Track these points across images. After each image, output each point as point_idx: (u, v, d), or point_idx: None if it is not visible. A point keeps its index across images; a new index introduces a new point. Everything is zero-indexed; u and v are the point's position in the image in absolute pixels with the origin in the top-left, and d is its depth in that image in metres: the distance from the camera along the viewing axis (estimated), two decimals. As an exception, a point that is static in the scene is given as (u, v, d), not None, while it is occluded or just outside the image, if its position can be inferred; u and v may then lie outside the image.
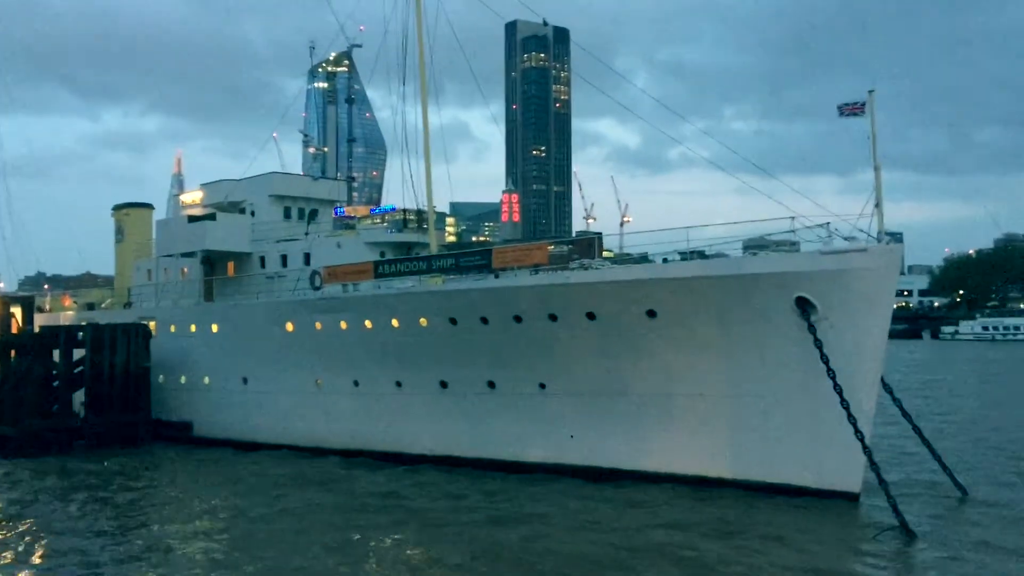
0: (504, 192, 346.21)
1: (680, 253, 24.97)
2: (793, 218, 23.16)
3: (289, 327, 32.22)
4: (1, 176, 62.93)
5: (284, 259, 36.81)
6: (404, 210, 37.44)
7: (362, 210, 43.34)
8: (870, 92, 22.69)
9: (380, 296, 29.55)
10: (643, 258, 27.31)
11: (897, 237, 25.95)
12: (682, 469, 24.66)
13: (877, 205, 22.27)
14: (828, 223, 22.85)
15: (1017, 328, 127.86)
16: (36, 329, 38.13)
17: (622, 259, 32.77)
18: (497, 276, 27.47)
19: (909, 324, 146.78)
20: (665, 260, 25.02)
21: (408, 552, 19.13)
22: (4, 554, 19.38)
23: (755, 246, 27.94)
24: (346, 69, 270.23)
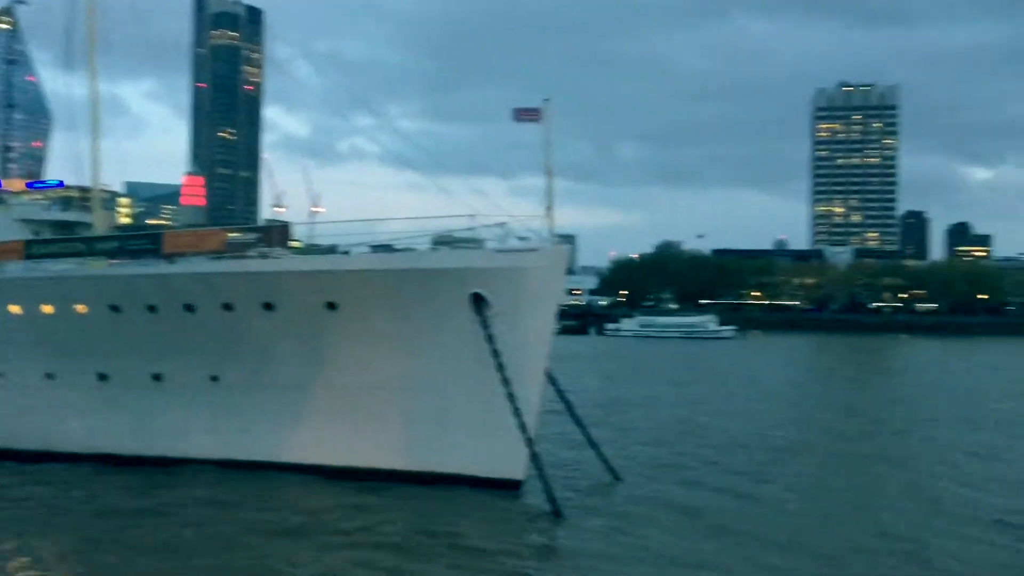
0: (187, 174, 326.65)
1: (371, 246, 24.94)
2: (474, 216, 23.95)
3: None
4: None
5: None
6: (67, 187, 34.05)
7: (19, 183, 38.72)
8: (545, 100, 24.08)
9: (29, 279, 26.69)
10: (331, 249, 26.93)
11: (569, 239, 27.67)
12: (358, 461, 24.60)
13: (548, 208, 23.64)
14: (505, 223, 23.89)
15: (666, 326, 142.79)
16: None
17: (310, 250, 32.14)
18: (173, 262, 25.81)
19: (578, 321, 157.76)
20: (346, 252, 24.84)
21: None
22: None
23: (443, 242, 28.57)
24: (10, 27, 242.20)
